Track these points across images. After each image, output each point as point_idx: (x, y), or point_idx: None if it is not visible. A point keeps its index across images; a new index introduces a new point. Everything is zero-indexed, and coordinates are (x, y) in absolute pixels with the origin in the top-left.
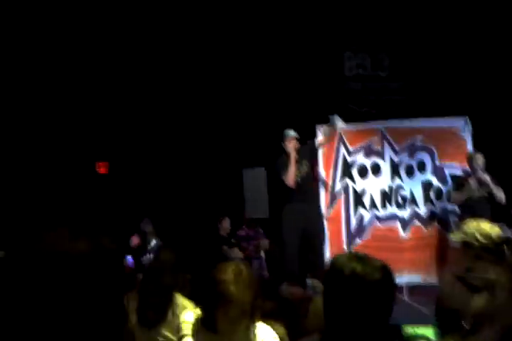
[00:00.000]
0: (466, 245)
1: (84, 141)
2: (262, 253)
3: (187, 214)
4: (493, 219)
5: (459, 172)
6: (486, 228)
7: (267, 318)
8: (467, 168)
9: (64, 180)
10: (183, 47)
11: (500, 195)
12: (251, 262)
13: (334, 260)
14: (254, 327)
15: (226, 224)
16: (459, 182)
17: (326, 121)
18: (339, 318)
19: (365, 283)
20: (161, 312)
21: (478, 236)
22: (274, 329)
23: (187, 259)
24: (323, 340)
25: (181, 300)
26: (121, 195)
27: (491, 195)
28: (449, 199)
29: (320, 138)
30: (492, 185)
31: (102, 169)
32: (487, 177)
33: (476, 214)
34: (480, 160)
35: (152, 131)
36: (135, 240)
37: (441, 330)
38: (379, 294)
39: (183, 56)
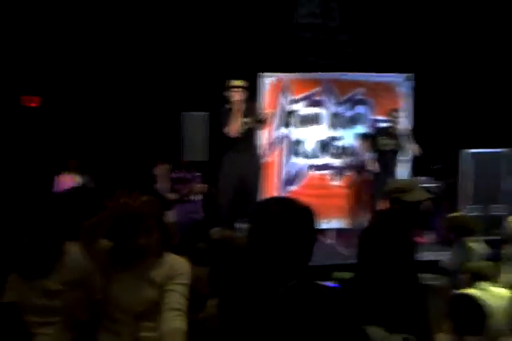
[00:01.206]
0: None
1: (11, 73)
2: (198, 197)
3: (122, 156)
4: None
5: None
6: None
7: (197, 259)
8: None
9: None
10: None
11: (413, 147)
12: (184, 204)
13: (259, 202)
14: (167, 257)
15: (165, 169)
16: (383, 130)
17: (273, 67)
18: (261, 256)
19: (285, 223)
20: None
21: None
22: (194, 269)
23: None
24: (247, 278)
25: (74, 248)
26: (52, 131)
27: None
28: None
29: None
30: (406, 139)
31: (32, 103)
32: (402, 132)
33: (387, 165)
34: (400, 117)
35: (91, 67)
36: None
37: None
38: (299, 233)
39: None
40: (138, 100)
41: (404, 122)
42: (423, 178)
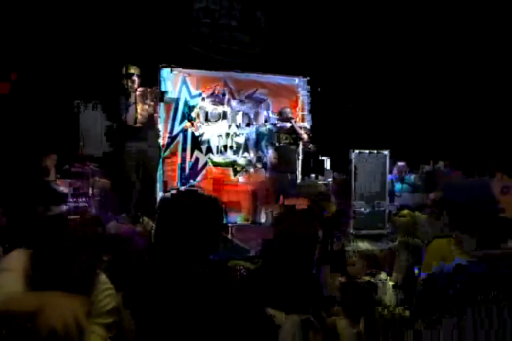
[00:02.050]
0: None
1: None
2: (92, 191)
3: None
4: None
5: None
6: None
7: None
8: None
9: None
10: None
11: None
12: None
13: (166, 195)
14: None
15: (52, 159)
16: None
17: (171, 60)
18: (170, 246)
19: (192, 213)
20: None
21: None
22: None
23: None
24: (148, 269)
25: None
26: None
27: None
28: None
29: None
30: (300, 131)
31: None
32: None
33: (286, 158)
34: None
35: None
36: None
37: None
38: (207, 224)
39: None
40: (29, 87)
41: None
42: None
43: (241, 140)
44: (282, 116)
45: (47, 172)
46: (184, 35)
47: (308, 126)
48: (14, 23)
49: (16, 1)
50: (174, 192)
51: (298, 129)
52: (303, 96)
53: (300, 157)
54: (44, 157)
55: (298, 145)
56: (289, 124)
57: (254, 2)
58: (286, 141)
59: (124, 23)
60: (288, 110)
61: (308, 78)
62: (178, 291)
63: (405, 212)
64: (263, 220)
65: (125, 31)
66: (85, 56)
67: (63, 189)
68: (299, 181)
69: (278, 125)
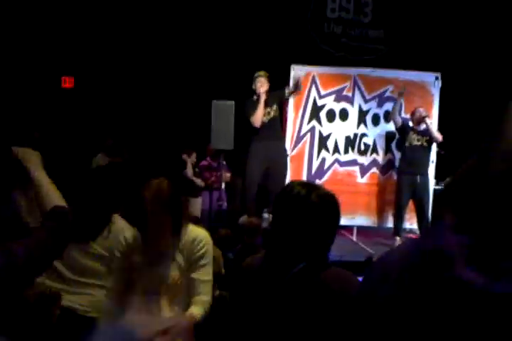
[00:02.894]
0: None
1: (49, 55)
2: (223, 185)
3: (152, 142)
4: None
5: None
6: None
7: (220, 243)
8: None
9: (28, 95)
10: None
11: (437, 136)
12: (211, 192)
13: (286, 185)
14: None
15: (192, 156)
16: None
17: (301, 60)
18: (281, 237)
19: (306, 205)
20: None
21: None
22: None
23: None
24: (266, 257)
25: (120, 220)
26: (86, 112)
27: (430, 142)
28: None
29: (292, 80)
30: (433, 131)
31: (67, 84)
32: (430, 126)
33: (414, 160)
34: (423, 113)
35: (124, 51)
36: None
37: None
38: (319, 218)
39: None
40: (169, 87)
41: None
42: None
43: (370, 140)
44: (415, 116)
45: (186, 166)
46: (317, 35)
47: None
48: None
49: None
50: (292, 182)
51: (432, 130)
52: (434, 93)
53: (433, 160)
54: (183, 153)
55: (430, 147)
56: (423, 126)
57: None
58: (418, 143)
59: (257, 24)
60: (421, 110)
61: (439, 74)
62: (279, 287)
63: None
64: (390, 224)
65: (258, 32)
66: (221, 57)
67: (200, 183)
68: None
69: (411, 125)
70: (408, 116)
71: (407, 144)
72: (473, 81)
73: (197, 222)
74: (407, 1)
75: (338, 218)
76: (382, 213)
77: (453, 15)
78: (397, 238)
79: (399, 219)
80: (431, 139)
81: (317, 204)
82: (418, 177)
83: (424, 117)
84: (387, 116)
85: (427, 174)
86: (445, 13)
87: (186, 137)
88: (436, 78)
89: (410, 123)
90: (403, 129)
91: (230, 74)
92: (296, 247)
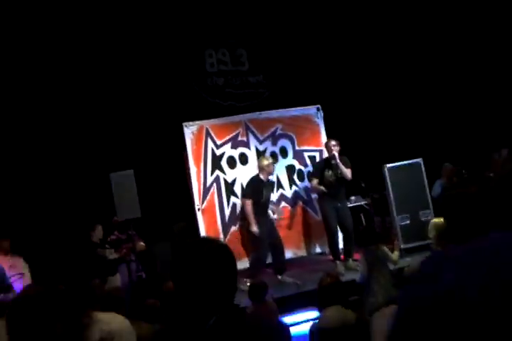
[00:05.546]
0: None
1: None
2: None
3: (54, 222)
4: (347, 193)
5: (316, 155)
6: None
7: (147, 316)
8: (321, 148)
9: None
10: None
11: (347, 173)
12: (129, 265)
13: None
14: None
15: (98, 231)
16: (316, 168)
17: (193, 117)
18: (185, 296)
19: (202, 262)
20: None
21: None
22: (139, 328)
23: (60, 269)
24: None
25: None
26: None
27: (341, 175)
28: (309, 180)
29: (187, 136)
30: (342, 167)
31: None
32: (339, 162)
33: (337, 193)
34: (336, 146)
35: (16, 130)
36: None
37: None
38: (212, 270)
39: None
40: (64, 165)
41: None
42: (353, 198)
43: (273, 177)
44: (327, 148)
45: (96, 244)
46: (202, 90)
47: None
48: None
49: None
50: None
51: (342, 170)
52: (320, 124)
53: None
54: (91, 231)
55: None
56: (330, 155)
57: (259, 45)
58: (332, 179)
59: (143, 85)
60: (333, 143)
61: (319, 105)
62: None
63: None
64: (318, 250)
65: (145, 94)
66: (109, 127)
67: (113, 255)
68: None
69: (319, 161)
70: (301, 147)
71: (324, 181)
72: (352, 109)
73: (118, 294)
74: (279, 46)
75: (230, 267)
76: (300, 243)
77: (322, 52)
78: (338, 262)
79: (334, 243)
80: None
81: (208, 257)
82: (338, 203)
83: (332, 156)
84: (283, 152)
85: (345, 200)
86: (314, 50)
87: (90, 214)
88: (318, 109)
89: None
90: (318, 172)
91: (125, 144)
92: (201, 303)
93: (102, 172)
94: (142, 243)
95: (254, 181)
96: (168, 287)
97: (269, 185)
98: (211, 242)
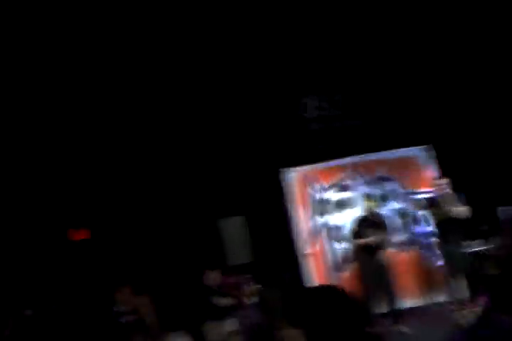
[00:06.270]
0: None
1: (59, 206)
2: (252, 300)
3: (169, 271)
4: (466, 235)
5: (425, 197)
6: None
7: None
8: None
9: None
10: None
11: (465, 212)
12: (242, 309)
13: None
14: None
15: (211, 276)
16: (430, 202)
17: (295, 162)
18: None
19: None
20: None
21: None
22: None
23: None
24: None
25: None
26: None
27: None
28: (426, 222)
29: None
30: (458, 205)
31: (78, 235)
32: (452, 199)
33: (454, 233)
34: (444, 183)
35: (124, 188)
36: None
37: None
38: (351, 324)
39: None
40: (177, 218)
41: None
42: (474, 242)
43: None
44: (435, 187)
45: (209, 289)
46: (300, 135)
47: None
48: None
49: None
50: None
51: (449, 197)
52: (426, 164)
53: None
54: (205, 276)
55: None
56: (437, 195)
57: (355, 89)
58: (439, 214)
59: (244, 136)
60: (438, 179)
61: (427, 145)
62: None
63: None
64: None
65: (244, 142)
66: (212, 176)
67: (226, 303)
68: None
69: (427, 199)
70: (410, 189)
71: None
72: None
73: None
74: (374, 87)
75: (355, 313)
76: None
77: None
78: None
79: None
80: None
81: (345, 312)
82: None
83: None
84: (391, 195)
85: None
86: (411, 90)
87: (202, 260)
88: (426, 150)
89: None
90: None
91: (231, 190)
92: None
93: (211, 218)
94: (256, 286)
95: (357, 221)
96: (281, 334)
97: (377, 226)
98: (333, 289)
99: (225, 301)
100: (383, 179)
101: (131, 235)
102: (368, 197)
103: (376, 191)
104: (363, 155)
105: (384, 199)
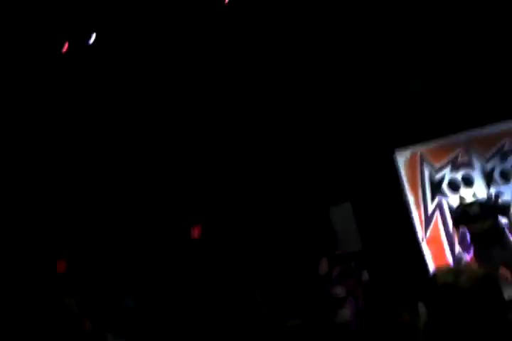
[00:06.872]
0: None
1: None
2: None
3: (281, 259)
4: None
5: None
6: None
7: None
8: None
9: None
10: None
11: None
12: (356, 297)
13: (431, 275)
14: None
15: (324, 265)
16: None
17: (404, 142)
18: (440, 332)
19: (455, 293)
20: None
21: None
22: None
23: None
24: None
25: None
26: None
27: None
28: None
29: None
30: None
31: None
32: None
33: None
34: None
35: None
36: None
37: None
38: (475, 306)
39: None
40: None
41: None
42: None
43: (508, 197)
44: None
45: (323, 278)
46: (408, 114)
47: None
48: None
49: None
50: (437, 271)
51: None
52: None
53: None
54: (317, 265)
55: None
56: None
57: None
58: None
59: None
60: None
61: None
62: None
63: None
64: None
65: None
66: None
67: (341, 292)
68: None
69: None
70: None
71: None
72: None
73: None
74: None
75: (498, 299)
76: None
77: None
78: None
79: None
80: None
81: (468, 290)
82: None
83: None
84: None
85: None
86: None
87: (310, 247)
88: None
89: None
90: None
91: (340, 176)
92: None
93: (320, 206)
94: (367, 274)
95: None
96: (405, 318)
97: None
98: (467, 271)
99: (340, 290)
100: (505, 152)
101: (245, 226)
102: (487, 173)
103: (498, 166)
104: (479, 129)
105: (507, 174)
